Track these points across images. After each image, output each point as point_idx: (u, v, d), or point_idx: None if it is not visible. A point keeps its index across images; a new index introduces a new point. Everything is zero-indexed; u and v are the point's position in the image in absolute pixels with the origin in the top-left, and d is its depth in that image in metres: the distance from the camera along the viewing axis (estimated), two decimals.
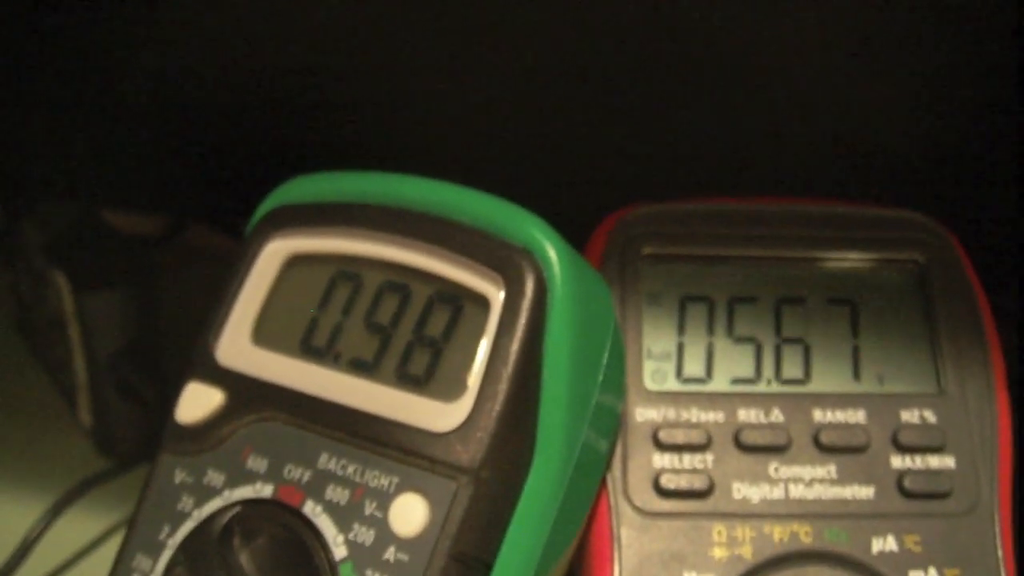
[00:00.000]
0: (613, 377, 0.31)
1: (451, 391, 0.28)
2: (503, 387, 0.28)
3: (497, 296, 0.29)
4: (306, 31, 0.46)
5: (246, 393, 0.30)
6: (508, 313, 0.28)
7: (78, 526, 0.43)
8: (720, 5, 0.38)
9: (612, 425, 0.31)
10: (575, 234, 0.35)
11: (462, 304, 0.29)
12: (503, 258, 0.29)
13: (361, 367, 0.30)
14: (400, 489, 0.28)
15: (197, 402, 0.31)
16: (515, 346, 0.28)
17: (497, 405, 0.28)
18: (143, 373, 0.45)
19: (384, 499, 0.28)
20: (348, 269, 0.31)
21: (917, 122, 0.41)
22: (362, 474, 0.28)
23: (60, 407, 0.48)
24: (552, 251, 0.29)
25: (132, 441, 0.46)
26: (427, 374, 0.29)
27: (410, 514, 0.27)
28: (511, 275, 0.28)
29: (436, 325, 0.29)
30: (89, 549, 0.43)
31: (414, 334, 0.30)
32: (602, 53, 0.41)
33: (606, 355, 0.30)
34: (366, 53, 0.47)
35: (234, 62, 0.50)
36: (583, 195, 0.38)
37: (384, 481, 0.28)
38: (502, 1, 0.40)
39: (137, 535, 0.30)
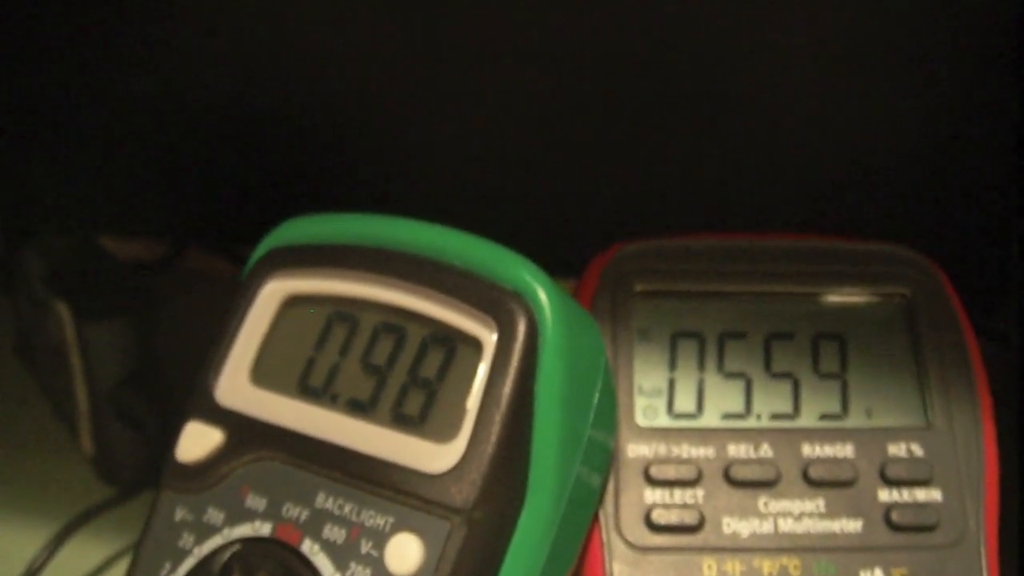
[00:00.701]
0: (604, 415, 0.31)
1: (445, 432, 0.29)
2: (495, 429, 0.28)
3: (489, 338, 0.29)
4: (307, 59, 0.47)
5: (245, 433, 0.31)
6: (500, 355, 0.29)
7: (81, 554, 0.43)
8: (709, 40, 0.39)
9: (604, 461, 0.32)
10: (568, 271, 0.35)
11: (455, 346, 0.30)
12: (494, 301, 0.29)
13: (357, 407, 0.30)
14: (395, 529, 0.28)
15: (197, 441, 0.31)
16: (507, 388, 0.29)
17: (489, 447, 0.28)
18: (144, 401, 0.46)
19: (380, 538, 0.28)
20: (344, 310, 0.32)
21: (907, 155, 0.42)
22: (358, 513, 0.29)
23: (62, 435, 0.49)
24: (542, 294, 0.29)
25: (134, 469, 0.46)
26: (422, 415, 0.30)
27: (405, 553, 0.28)
28: (502, 318, 0.29)
29: (430, 366, 0.30)
30: None
31: (409, 375, 0.30)
32: (594, 91, 0.42)
33: (597, 394, 0.31)
34: (367, 82, 0.48)
35: (233, 87, 0.50)
36: (576, 232, 0.39)
37: (380, 521, 0.29)
38: (493, 41, 0.40)
39: (139, 571, 0.31)
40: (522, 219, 0.38)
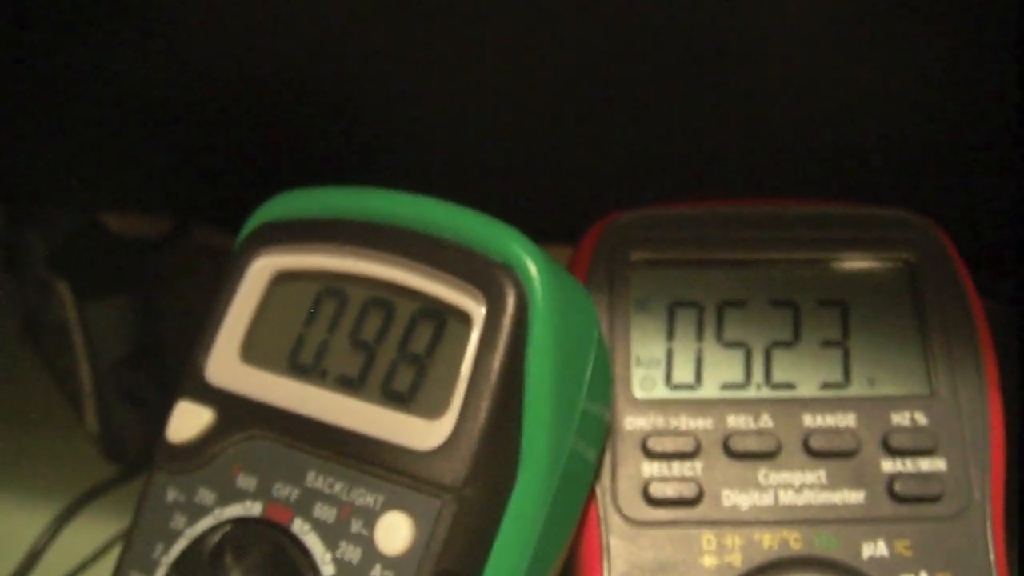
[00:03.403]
0: (598, 389, 0.31)
1: (434, 408, 0.29)
2: (485, 405, 0.28)
3: (479, 312, 0.29)
4: (307, 34, 0.46)
5: (235, 412, 0.31)
6: (489, 330, 0.28)
7: (86, 532, 0.43)
8: (705, 5, 0.38)
9: (599, 436, 0.32)
10: (570, 239, 0.35)
11: (445, 320, 0.29)
12: (484, 274, 0.29)
13: (347, 384, 0.30)
14: (385, 507, 0.28)
15: (187, 421, 0.31)
16: (496, 363, 0.28)
17: (479, 423, 0.28)
18: (147, 379, 0.46)
19: (370, 517, 0.28)
20: (334, 285, 0.31)
21: (907, 117, 0.41)
22: (348, 492, 0.29)
23: (68, 414, 0.49)
24: (532, 267, 0.29)
25: (138, 447, 0.46)
26: (411, 391, 0.29)
27: (395, 532, 0.28)
28: (492, 291, 0.29)
29: (420, 341, 0.30)
30: (97, 556, 0.43)
31: (398, 351, 0.30)
32: (585, 60, 0.41)
33: (590, 368, 0.30)
34: (363, 57, 0.47)
35: (235, 62, 0.50)
36: (571, 201, 0.38)
37: (370, 499, 0.28)
38: (486, 10, 0.39)
39: (132, 553, 0.31)
40: (517, 190, 0.38)
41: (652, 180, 0.43)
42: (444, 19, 0.43)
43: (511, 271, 0.29)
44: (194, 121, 0.53)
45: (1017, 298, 0.45)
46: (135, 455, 0.46)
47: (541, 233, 0.30)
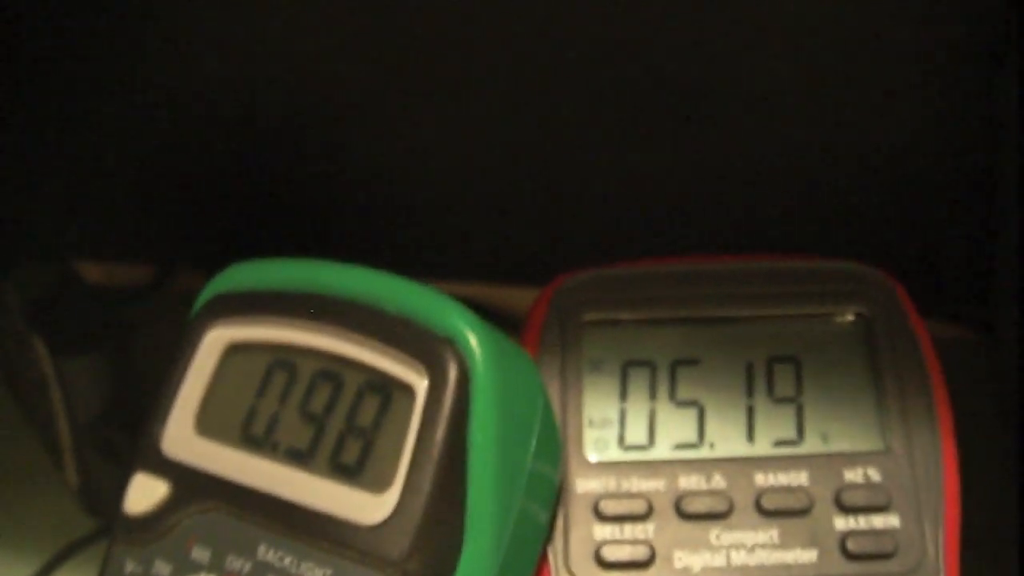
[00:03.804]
0: (545, 454, 0.31)
1: (379, 482, 0.29)
2: (427, 478, 0.28)
3: (421, 385, 0.29)
4: (288, 83, 0.47)
5: (190, 484, 0.31)
6: (431, 403, 0.29)
7: None
8: (661, 57, 0.38)
9: (548, 499, 0.32)
10: (515, 302, 0.35)
11: (390, 393, 0.30)
12: (426, 348, 0.29)
13: (297, 457, 0.30)
14: None
15: (143, 493, 0.32)
16: (438, 436, 0.28)
17: (422, 496, 0.28)
18: (123, 435, 0.46)
19: None
20: (284, 357, 0.32)
21: (859, 171, 0.41)
22: (298, 566, 0.29)
23: (48, 467, 0.49)
24: (473, 340, 0.29)
25: (119, 502, 0.46)
26: (358, 464, 0.29)
27: None
28: (434, 365, 0.29)
29: (366, 414, 0.30)
30: None
31: (346, 423, 0.30)
32: (538, 120, 0.41)
33: (535, 435, 0.30)
34: (342, 105, 0.48)
35: (216, 109, 0.50)
36: (524, 263, 0.38)
37: (318, 573, 0.29)
38: (470, 63, 0.40)
39: None
40: (473, 248, 0.38)
41: (604, 240, 0.43)
42: (423, 72, 0.43)
43: (453, 344, 0.29)
44: (174, 168, 0.54)
45: (995, 325, 0.45)
46: (115, 510, 0.46)
47: (515, 275, 0.30)
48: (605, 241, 0.38)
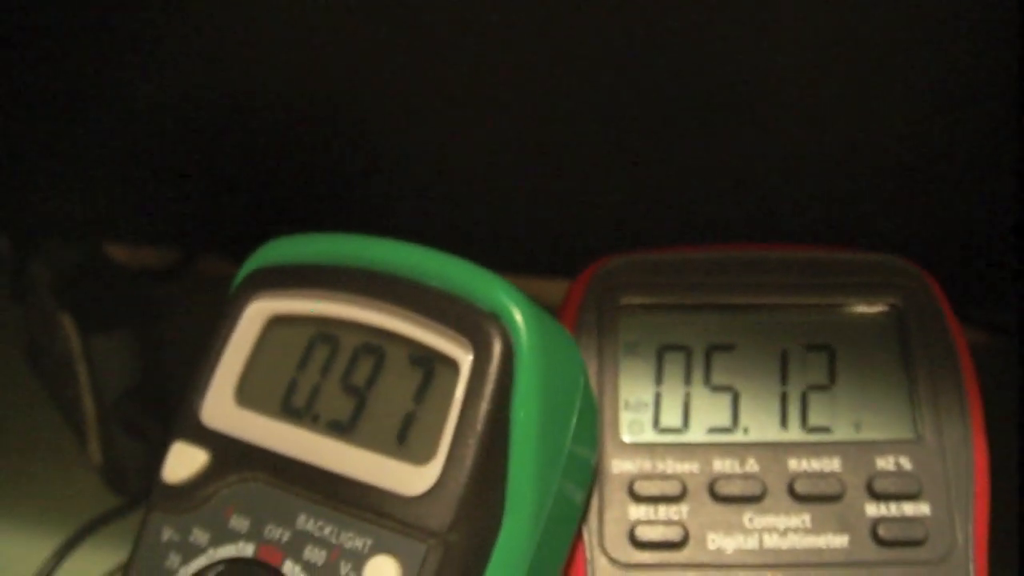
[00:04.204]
0: (584, 433, 0.31)
1: (422, 454, 0.29)
2: (470, 451, 0.28)
3: (466, 360, 0.29)
4: (313, 68, 0.47)
5: (229, 454, 0.31)
6: (476, 377, 0.29)
7: (88, 564, 0.44)
8: (695, 48, 0.38)
9: (585, 479, 0.32)
10: (556, 284, 0.35)
11: (433, 367, 0.30)
12: (471, 323, 0.29)
13: (338, 429, 0.31)
14: (373, 551, 0.29)
15: (182, 462, 0.32)
16: (482, 410, 0.29)
17: (464, 469, 0.28)
18: (149, 412, 0.46)
19: (358, 560, 0.29)
20: (326, 331, 0.32)
21: (897, 162, 0.41)
22: (338, 535, 0.29)
23: (72, 443, 0.50)
24: (518, 315, 0.29)
25: (141, 479, 0.47)
26: (400, 437, 0.30)
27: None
28: (479, 340, 0.29)
29: (409, 388, 0.30)
30: None
31: (388, 396, 0.30)
32: (578, 106, 0.41)
33: (576, 413, 0.31)
34: (365, 90, 0.48)
35: (241, 93, 0.51)
36: (562, 246, 0.39)
37: (359, 543, 0.29)
38: (489, 55, 0.40)
39: None
40: (512, 232, 0.38)
41: (642, 224, 0.43)
42: (452, 62, 0.43)
43: (498, 319, 0.29)
44: (200, 152, 0.54)
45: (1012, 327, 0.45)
46: (137, 487, 0.47)
47: (545, 267, 0.30)
48: (635, 234, 0.38)
